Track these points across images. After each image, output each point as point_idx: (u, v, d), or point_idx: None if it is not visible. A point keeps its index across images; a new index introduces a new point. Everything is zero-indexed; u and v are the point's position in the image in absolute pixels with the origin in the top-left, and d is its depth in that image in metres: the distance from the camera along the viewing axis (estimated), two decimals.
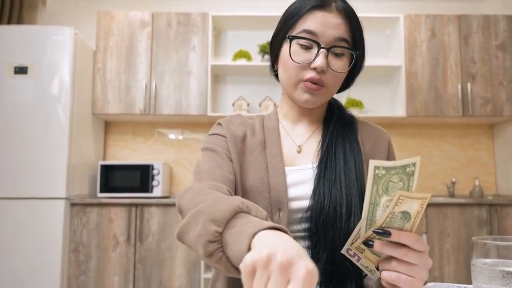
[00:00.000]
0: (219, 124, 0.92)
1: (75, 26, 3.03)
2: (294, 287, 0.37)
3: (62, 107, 2.69)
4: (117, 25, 3.12)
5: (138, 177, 2.92)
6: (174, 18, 3.14)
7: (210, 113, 3.06)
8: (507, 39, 3.13)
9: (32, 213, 2.58)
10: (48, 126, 2.66)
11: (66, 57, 2.73)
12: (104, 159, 3.36)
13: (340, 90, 0.94)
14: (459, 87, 3.08)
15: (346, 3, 0.86)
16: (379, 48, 3.40)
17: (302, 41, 0.82)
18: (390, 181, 0.53)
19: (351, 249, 0.63)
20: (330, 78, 0.83)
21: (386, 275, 0.59)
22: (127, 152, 3.39)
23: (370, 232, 0.58)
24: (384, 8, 3.53)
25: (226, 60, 3.40)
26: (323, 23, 0.81)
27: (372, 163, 0.52)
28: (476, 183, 3.13)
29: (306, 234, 0.81)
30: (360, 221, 0.59)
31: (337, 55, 0.83)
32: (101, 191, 2.90)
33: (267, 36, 3.27)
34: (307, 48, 0.82)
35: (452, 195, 3.18)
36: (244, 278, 0.40)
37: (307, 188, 0.83)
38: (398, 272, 0.58)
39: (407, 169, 0.52)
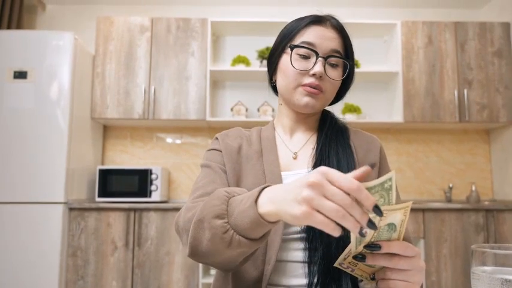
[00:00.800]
0: (216, 139, 0.98)
1: (74, 30, 3.06)
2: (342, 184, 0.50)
3: (61, 112, 2.69)
4: (117, 30, 3.13)
5: (137, 182, 2.93)
6: (174, 24, 3.16)
7: (208, 118, 3.07)
8: (503, 46, 3.17)
9: (30, 217, 2.58)
10: (47, 130, 2.67)
11: (65, 62, 2.74)
12: (103, 163, 3.36)
13: (333, 102, 1.00)
14: (456, 93, 3.11)
15: (339, 21, 0.95)
16: (377, 55, 3.43)
17: (301, 51, 0.89)
18: None
19: (343, 262, 0.65)
20: (327, 85, 0.90)
21: (383, 285, 0.63)
22: (125, 157, 3.40)
23: (361, 248, 0.60)
24: (381, 15, 3.56)
25: (225, 65, 3.42)
26: (320, 36, 0.89)
27: None
28: (473, 188, 3.16)
29: (302, 235, 0.83)
30: (350, 244, 0.61)
31: (332, 65, 0.90)
32: (100, 195, 2.90)
33: (265, 41, 3.33)
34: (306, 57, 0.89)
35: (449, 200, 3.20)
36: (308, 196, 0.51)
37: None
38: (394, 279, 0.62)
39: (385, 185, 0.54)
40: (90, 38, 3.33)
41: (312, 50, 0.88)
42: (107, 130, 3.42)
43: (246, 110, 3.24)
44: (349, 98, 1.02)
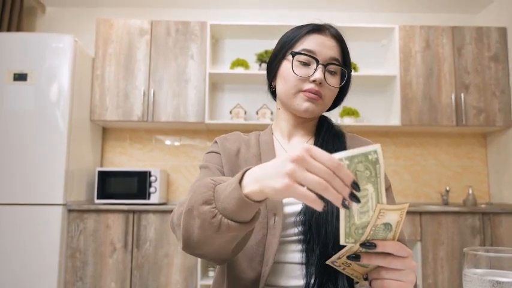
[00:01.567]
0: (215, 142, 0.99)
1: (74, 33, 3.07)
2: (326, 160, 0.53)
3: (61, 114, 2.71)
4: (116, 32, 3.15)
5: (136, 184, 2.94)
6: (173, 27, 3.18)
7: (207, 121, 3.09)
8: (499, 51, 3.20)
9: (29, 219, 2.59)
10: (46, 132, 2.68)
11: (65, 64, 2.75)
12: (102, 165, 3.37)
13: (330, 108, 1.02)
14: (453, 97, 3.14)
15: (337, 30, 0.97)
16: (375, 58, 3.46)
17: (302, 58, 0.92)
18: (357, 171, 0.56)
19: (336, 261, 0.67)
20: (326, 91, 0.93)
21: (377, 284, 0.64)
22: (124, 159, 3.41)
23: (356, 247, 0.62)
24: (379, 19, 3.59)
25: (224, 68, 3.44)
26: (320, 44, 0.92)
27: (334, 155, 0.55)
28: (470, 191, 3.18)
29: (300, 237, 0.85)
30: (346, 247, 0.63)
31: (331, 73, 0.93)
32: (99, 197, 2.91)
33: (264, 45, 3.35)
34: (306, 64, 0.92)
35: (446, 204, 3.22)
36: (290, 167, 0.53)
37: None
38: (388, 279, 0.63)
39: (370, 157, 0.55)
40: (89, 40, 3.35)
41: (312, 57, 0.91)
42: (106, 132, 3.43)
43: (245, 112, 3.26)
44: (347, 101, 1.05)
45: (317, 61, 0.91)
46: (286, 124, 1.01)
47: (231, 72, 3.20)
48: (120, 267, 2.69)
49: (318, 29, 0.94)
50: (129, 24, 3.16)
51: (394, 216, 0.58)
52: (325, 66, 0.91)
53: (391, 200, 0.96)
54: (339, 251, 0.65)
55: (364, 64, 3.37)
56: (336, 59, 0.93)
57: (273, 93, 1.04)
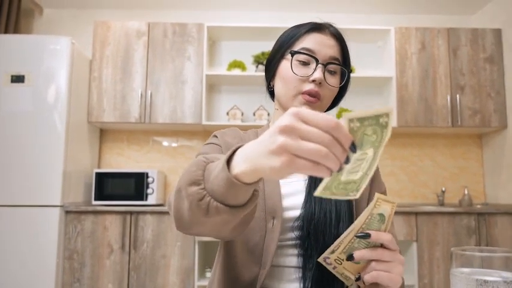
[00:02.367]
0: (215, 136, 0.97)
1: (71, 35, 3.07)
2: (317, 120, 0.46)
3: (58, 115, 2.72)
4: (114, 34, 3.16)
5: (133, 185, 2.95)
6: (170, 28, 3.19)
7: (204, 122, 3.10)
8: (494, 52, 3.22)
9: (27, 220, 2.60)
10: (44, 134, 2.69)
11: (62, 66, 2.76)
12: (99, 167, 3.38)
13: (329, 108, 1.01)
14: (448, 98, 3.16)
15: (337, 29, 0.96)
16: (371, 60, 3.48)
17: (301, 57, 0.90)
18: (365, 134, 0.51)
19: (328, 257, 0.68)
20: (325, 92, 0.91)
21: (367, 276, 0.66)
22: (122, 160, 3.42)
23: (351, 236, 0.64)
24: (375, 21, 3.61)
25: (221, 70, 3.45)
26: (320, 43, 0.91)
27: (345, 116, 0.49)
28: (466, 192, 3.20)
29: (297, 242, 0.85)
30: (339, 238, 0.65)
31: (330, 72, 0.92)
32: (96, 198, 2.91)
33: (261, 46, 3.36)
34: (305, 64, 0.90)
35: (442, 204, 3.24)
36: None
37: (299, 199, 0.88)
38: (379, 270, 0.66)
39: (381, 120, 0.50)
40: (87, 42, 3.36)
41: (312, 56, 0.89)
42: (103, 134, 3.44)
43: (242, 114, 3.27)
44: (344, 102, 1.05)
45: (317, 60, 0.89)
46: None
47: (228, 74, 3.21)
48: (118, 269, 2.70)
49: (317, 27, 0.93)
50: (127, 26, 3.18)
51: (387, 208, 0.61)
52: (324, 65, 0.90)
53: None
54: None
55: (361, 65, 3.39)
56: (336, 58, 0.91)
57: (271, 93, 1.03)
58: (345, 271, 0.70)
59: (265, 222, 0.85)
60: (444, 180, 3.47)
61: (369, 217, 0.61)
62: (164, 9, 3.60)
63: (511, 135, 3.14)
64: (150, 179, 2.95)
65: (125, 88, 3.12)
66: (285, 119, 0.46)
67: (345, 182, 0.52)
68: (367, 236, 0.64)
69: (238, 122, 3.19)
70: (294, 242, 0.85)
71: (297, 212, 0.86)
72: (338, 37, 0.94)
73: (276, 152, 0.45)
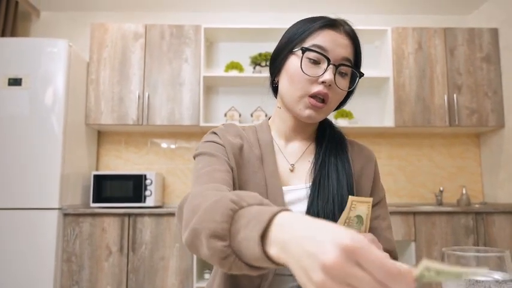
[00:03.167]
0: (215, 133, 0.91)
1: (69, 37, 3.08)
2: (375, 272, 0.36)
3: (56, 118, 2.72)
4: (111, 37, 3.16)
5: (131, 187, 2.95)
6: (167, 30, 3.19)
7: (202, 124, 3.11)
8: (491, 52, 3.23)
9: (25, 223, 2.60)
10: (41, 136, 2.69)
11: (60, 69, 2.76)
12: (97, 169, 3.38)
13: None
14: (446, 98, 3.17)
15: (352, 28, 0.90)
16: (368, 60, 3.47)
17: (312, 55, 0.84)
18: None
19: None
20: (334, 95, 0.86)
21: None
22: (120, 162, 3.42)
23: None
24: (372, 21, 3.62)
25: (218, 71, 3.45)
26: (333, 41, 0.84)
27: (424, 264, 0.37)
28: (464, 191, 3.20)
29: None
30: None
31: (341, 74, 0.86)
32: (94, 201, 2.92)
33: (258, 48, 3.36)
34: (316, 62, 0.84)
35: (440, 204, 3.24)
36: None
37: (302, 207, 0.85)
38: None
39: (463, 276, 0.39)
40: (84, 44, 3.36)
41: (323, 55, 0.83)
42: (101, 136, 3.44)
43: (240, 115, 3.27)
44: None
45: (328, 60, 0.83)
46: (284, 126, 0.94)
47: (226, 75, 3.22)
48: (116, 271, 2.70)
49: (331, 24, 0.86)
50: (124, 28, 3.18)
51: (363, 208, 0.61)
52: (336, 66, 0.84)
53: (384, 210, 0.94)
54: None
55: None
56: (348, 59, 0.86)
57: (275, 89, 0.96)
58: None
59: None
60: (442, 179, 3.47)
61: (347, 221, 0.62)
62: (161, 11, 3.60)
63: (509, 134, 3.14)
64: (148, 181, 2.95)
65: (123, 90, 3.12)
66: (333, 252, 0.36)
67: None
68: None
69: (236, 123, 3.19)
70: None
71: None
72: (352, 36, 0.88)
73: (311, 279, 0.38)
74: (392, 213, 2.76)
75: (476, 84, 3.20)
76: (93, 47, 3.15)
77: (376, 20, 3.64)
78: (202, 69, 3.15)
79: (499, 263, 0.62)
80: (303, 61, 0.84)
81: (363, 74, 0.89)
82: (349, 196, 0.60)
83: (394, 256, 0.90)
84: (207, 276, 2.87)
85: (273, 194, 0.85)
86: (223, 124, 0.95)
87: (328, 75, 0.82)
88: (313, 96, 0.84)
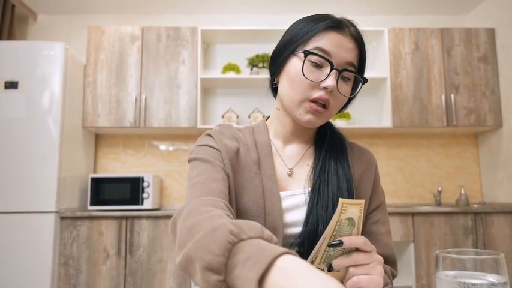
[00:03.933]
0: (210, 136, 0.87)
1: (65, 40, 3.08)
2: None
3: (53, 121, 2.71)
4: (108, 39, 3.16)
5: (129, 190, 2.94)
6: (164, 33, 3.19)
7: (199, 126, 3.10)
8: (488, 52, 3.23)
9: (22, 227, 2.59)
10: (38, 140, 2.68)
11: (56, 72, 2.75)
12: (95, 172, 3.37)
13: None
14: (443, 98, 3.16)
15: (358, 29, 0.86)
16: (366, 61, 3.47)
17: (314, 58, 0.80)
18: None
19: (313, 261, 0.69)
20: (335, 101, 0.83)
21: (348, 284, 0.65)
22: (118, 165, 3.41)
23: (324, 247, 0.64)
24: (369, 22, 3.62)
25: (216, 73, 3.45)
26: (337, 45, 0.80)
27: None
28: (462, 191, 3.19)
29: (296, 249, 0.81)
30: (315, 248, 0.65)
31: (344, 79, 0.83)
32: (92, 203, 2.91)
33: (255, 49, 3.36)
34: (318, 66, 0.81)
35: (439, 204, 3.24)
36: None
37: (300, 214, 0.83)
38: (357, 274, 0.65)
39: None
40: (81, 47, 3.35)
41: (327, 60, 0.79)
42: (98, 138, 3.43)
43: (237, 117, 3.27)
44: None
45: (331, 65, 0.79)
46: (283, 128, 0.91)
47: (223, 77, 3.21)
48: (114, 274, 2.69)
49: (336, 26, 0.82)
50: (120, 30, 3.17)
51: (355, 211, 0.61)
52: (339, 71, 0.80)
53: (384, 214, 0.92)
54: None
55: None
56: (352, 64, 0.82)
57: (274, 90, 0.93)
58: None
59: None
60: (440, 180, 3.47)
61: (338, 224, 0.61)
62: (158, 13, 3.60)
63: (507, 134, 3.14)
64: (145, 184, 2.94)
65: (120, 93, 3.11)
66: None
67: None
68: (340, 243, 0.63)
69: (234, 125, 3.18)
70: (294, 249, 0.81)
71: (298, 229, 0.81)
72: (357, 39, 0.84)
73: None
74: (391, 214, 2.75)
75: (474, 84, 3.19)
76: (90, 50, 3.14)
77: (373, 21, 3.64)
78: (199, 71, 3.15)
79: (494, 266, 0.61)
80: (305, 64, 0.80)
81: (367, 80, 0.86)
82: (340, 199, 0.59)
83: (392, 261, 0.88)
84: None
85: (270, 200, 0.82)
86: (218, 125, 0.91)
87: (331, 81, 0.79)
88: (314, 101, 0.81)
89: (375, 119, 3.44)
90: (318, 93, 0.80)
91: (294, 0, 3.39)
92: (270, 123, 0.95)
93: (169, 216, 2.74)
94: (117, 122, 3.08)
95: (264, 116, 3.21)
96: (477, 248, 2.76)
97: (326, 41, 0.80)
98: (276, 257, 0.45)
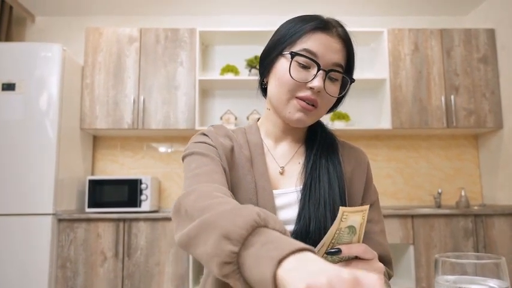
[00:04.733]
0: (205, 135, 0.88)
1: (63, 42, 3.06)
2: None
3: (50, 123, 2.69)
4: (106, 41, 3.14)
5: (127, 192, 2.92)
6: (162, 34, 3.18)
7: (198, 127, 3.08)
8: (488, 52, 3.21)
9: (19, 229, 2.57)
10: (36, 141, 2.66)
11: (54, 74, 2.74)
12: (93, 173, 3.35)
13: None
14: (443, 99, 3.14)
15: (346, 30, 0.87)
16: (365, 62, 3.46)
17: (301, 59, 0.81)
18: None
19: None
20: (323, 100, 0.84)
21: None
22: (116, 167, 3.39)
23: (322, 252, 0.61)
24: (368, 23, 3.60)
25: (214, 74, 3.43)
26: (324, 46, 0.81)
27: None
28: (463, 193, 3.17)
29: None
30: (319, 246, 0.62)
31: (331, 79, 0.84)
32: (89, 206, 2.89)
33: (254, 50, 3.35)
34: (305, 67, 0.82)
35: (439, 206, 3.22)
36: None
37: (293, 212, 0.83)
38: None
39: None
40: (79, 49, 3.34)
41: (314, 60, 0.81)
42: (96, 140, 3.42)
43: (235, 118, 3.25)
44: None
45: (318, 66, 0.80)
46: (274, 128, 0.92)
47: (221, 79, 3.20)
48: (111, 277, 2.67)
49: (323, 27, 0.83)
50: (118, 32, 3.16)
51: (357, 218, 0.58)
52: (326, 72, 0.81)
53: (377, 213, 0.92)
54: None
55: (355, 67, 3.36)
56: (340, 65, 0.83)
57: (264, 90, 0.94)
58: None
59: None
60: (440, 181, 3.45)
61: (337, 232, 0.59)
62: (156, 14, 3.59)
63: (507, 135, 3.12)
64: (143, 186, 2.93)
65: (118, 94, 3.10)
66: (346, 275, 0.38)
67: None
68: (338, 251, 0.61)
69: (232, 127, 3.17)
70: None
71: (290, 227, 0.81)
72: (345, 39, 0.85)
73: None
74: (391, 216, 2.73)
75: (474, 85, 3.18)
76: (88, 51, 3.13)
77: (372, 21, 3.62)
78: (197, 72, 3.13)
79: (495, 270, 0.59)
80: (292, 65, 0.81)
81: (354, 80, 0.86)
82: (340, 207, 0.56)
83: (387, 260, 0.87)
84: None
85: (263, 198, 0.82)
86: (212, 126, 0.92)
87: (317, 82, 0.80)
88: (302, 99, 0.82)
89: (374, 121, 3.43)
90: (305, 93, 0.81)
91: (292, 1, 3.37)
92: (261, 123, 0.96)
93: (167, 219, 2.72)
94: (115, 123, 3.06)
95: (259, 120, 3.20)
96: (478, 251, 2.74)
97: (313, 42, 0.81)
98: (297, 250, 0.45)
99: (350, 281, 0.37)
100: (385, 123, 3.21)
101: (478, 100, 3.17)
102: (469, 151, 3.50)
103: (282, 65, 0.83)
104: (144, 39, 3.16)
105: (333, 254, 0.61)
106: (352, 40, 0.87)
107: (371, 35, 3.31)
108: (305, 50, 0.81)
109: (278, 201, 0.83)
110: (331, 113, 3.19)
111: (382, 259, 0.85)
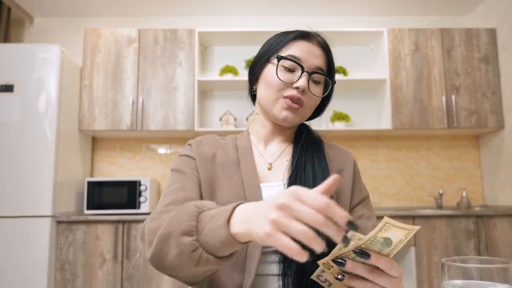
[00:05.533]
0: (189, 145, 0.96)
1: (62, 43, 3.05)
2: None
3: (49, 124, 2.68)
4: (104, 42, 3.13)
5: (126, 194, 2.90)
6: (161, 35, 3.16)
7: (197, 128, 3.06)
8: (489, 52, 3.20)
9: (17, 231, 2.55)
10: (34, 143, 2.64)
11: (52, 75, 2.72)
12: (91, 175, 3.33)
13: (312, 117, 1.01)
14: (443, 99, 3.13)
15: (325, 39, 0.96)
16: (364, 62, 3.44)
17: (287, 64, 0.90)
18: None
19: (321, 275, 0.64)
20: (308, 100, 0.91)
21: None
22: (115, 168, 3.37)
23: (346, 250, 0.58)
24: (367, 23, 3.59)
25: (213, 75, 3.42)
26: (307, 52, 0.91)
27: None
28: (464, 194, 3.16)
29: (277, 257, 0.82)
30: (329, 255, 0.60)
31: (315, 82, 0.92)
32: (88, 207, 2.87)
33: (253, 51, 3.29)
34: (290, 70, 0.90)
35: (440, 207, 3.20)
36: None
37: None
38: None
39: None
40: (78, 50, 3.33)
41: (298, 63, 0.89)
42: (95, 142, 3.40)
43: (235, 119, 3.23)
44: (338, 105, 1.04)
45: (302, 68, 0.89)
46: (263, 130, 0.99)
47: (220, 79, 3.18)
48: (110, 279, 2.65)
49: (305, 36, 0.93)
50: (117, 33, 3.14)
51: (398, 234, 0.54)
52: (310, 74, 0.90)
53: (368, 209, 0.94)
54: (317, 266, 0.63)
55: (354, 68, 3.35)
56: (321, 69, 0.92)
57: (253, 97, 1.02)
58: (328, 281, 0.65)
59: None
60: (441, 182, 3.43)
61: (371, 239, 0.55)
62: (154, 15, 3.57)
63: (508, 135, 3.10)
64: (142, 187, 2.91)
65: (116, 95, 3.08)
66: (283, 196, 0.50)
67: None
68: (367, 256, 0.57)
69: (232, 128, 3.15)
70: (275, 248, 0.81)
71: None
72: (325, 47, 0.94)
73: (266, 222, 0.49)
74: (391, 217, 2.71)
75: (475, 85, 3.16)
76: (87, 52, 3.11)
77: (371, 21, 3.61)
78: (196, 73, 3.11)
79: (503, 274, 0.58)
80: (278, 68, 0.90)
81: (335, 82, 0.95)
82: (385, 216, 0.53)
83: None
84: None
85: (250, 190, 0.87)
86: (203, 136, 0.99)
87: (302, 82, 0.88)
88: (289, 98, 0.89)
89: (375, 121, 3.41)
90: (291, 92, 0.89)
91: (291, 1, 3.35)
92: (251, 129, 1.03)
93: None
94: (114, 125, 3.04)
95: None
96: (479, 252, 2.72)
97: (296, 49, 0.91)
98: (235, 206, 0.59)
99: (289, 192, 0.50)
100: (385, 123, 3.20)
101: (479, 100, 3.15)
102: (470, 151, 3.48)
103: (270, 70, 0.92)
104: (143, 40, 3.15)
105: (360, 255, 0.57)
106: (331, 48, 0.97)
107: (371, 35, 3.30)
108: (290, 55, 0.90)
109: (266, 194, 0.88)
110: (332, 115, 3.19)
111: None
